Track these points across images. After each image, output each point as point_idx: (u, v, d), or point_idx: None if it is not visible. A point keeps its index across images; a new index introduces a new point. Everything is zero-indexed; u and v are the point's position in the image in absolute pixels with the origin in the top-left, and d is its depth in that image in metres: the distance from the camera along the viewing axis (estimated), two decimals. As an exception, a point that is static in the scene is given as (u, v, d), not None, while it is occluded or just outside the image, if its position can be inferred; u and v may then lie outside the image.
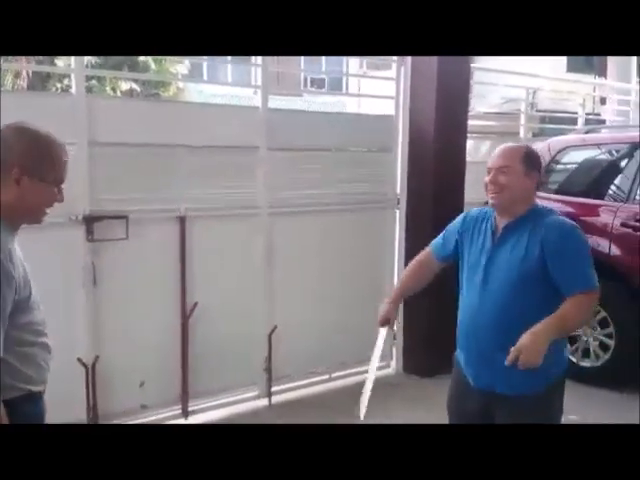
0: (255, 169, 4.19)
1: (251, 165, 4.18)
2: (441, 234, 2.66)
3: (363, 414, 2.65)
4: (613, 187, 5.03)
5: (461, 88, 4.95)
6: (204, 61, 12.06)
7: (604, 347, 4.77)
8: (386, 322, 2.64)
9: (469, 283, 2.44)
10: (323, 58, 15.47)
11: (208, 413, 4.11)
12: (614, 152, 5.29)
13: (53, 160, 1.84)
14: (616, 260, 4.69)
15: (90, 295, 3.63)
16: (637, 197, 4.76)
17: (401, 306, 3.00)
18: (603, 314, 4.76)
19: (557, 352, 2.35)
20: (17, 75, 14.06)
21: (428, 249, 2.68)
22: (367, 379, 2.71)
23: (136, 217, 3.71)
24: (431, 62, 4.67)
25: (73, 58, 3.68)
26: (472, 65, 5.39)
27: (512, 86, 7.12)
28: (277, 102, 4.86)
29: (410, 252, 4.80)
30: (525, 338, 2.11)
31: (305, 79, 17.71)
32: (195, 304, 3.96)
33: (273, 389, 4.37)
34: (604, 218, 4.84)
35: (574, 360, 4.89)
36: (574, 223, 2.37)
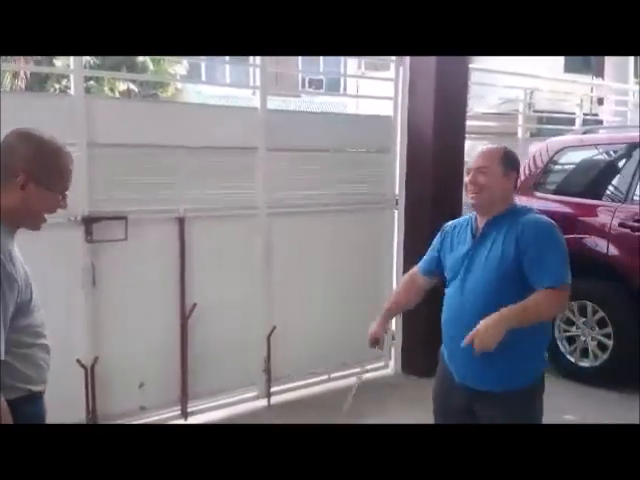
0: (254, 170, 4.19)
1: (250, 166, 4.18)
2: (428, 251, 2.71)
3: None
4: (611, 187, 5.04)
5: (459, 89, 4.95)
6: (202, 62, 12.07)
7: (602, 347, 4.77)
8: (375, 342, 2.69)
9: (452, 282, 2.50)
10: (321, 59, 15.50)
11: (207, 414, 4.11)
12: (612, 152, 5.31)
13: (60, 169, 1.85)
14: (614, 260, 4.70)
15: (89, 296, 3.63)
16: (635, 197, 4.77)
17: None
18: (601, 314, 4.77)
19: (537, 350, 2.43)
20: (15, 76, 14.06)
21: (415, 267, 2.74)
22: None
23: (135, 218, 3.72)
24: (429, 63, 4.68)
25: (72, 59, 3.68)
26: (470, 66, 5.40)
27: (510, 87, 7.14)
28: (275, 103, 4.87)
29: (409, 252, 4.82)
30: (482, 323, 2.19)
31: (303, 80, 17.72)
32: (194, 305, 3.96)
33: (272, 390, 4.37)
34: (602, 218, 4.85)
35: (572, 360, 4.92)
36: (551, 221, 2.40)
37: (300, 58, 15.63)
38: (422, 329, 4.83)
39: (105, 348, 3.70)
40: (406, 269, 4.87)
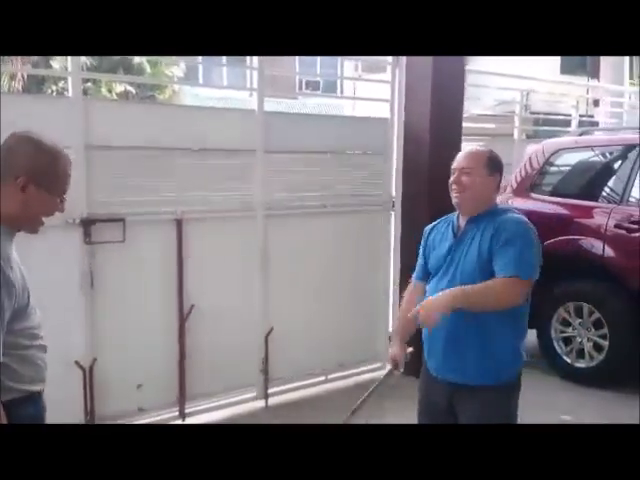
0: (251, 172, 4.21)
1: (247, 168, 4.19)
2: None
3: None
4: (607, 189, 5.06)
5: (456, 90, 4.97)
6: (199, 64, 12.08)
7: (598, 348, 4.80)
8: (396, 364, 2.68)
9: (433, 278, 2.55)
10: (318, 61, 15.51)
11: (205, 415, 4.12)
12: (608, 154, 5.33)
13: (60, 172, 1.86)
14: (610, 261, 4.72)
15: (87, 297, 3.64)
16: (631, 199, 4.79)
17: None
18: (597, 315, 4.79)
19: (513, 346, 2.47)
20: (13, 77, 14.05)
21: (411, 279, 2.76)
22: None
23: (133, 220, 3.73)
24: (426, 65, 4.70)
25: (70, 61, 3.70)
26: (466, 68, 5.42)
27: (506, 88, 7.16)
28: (272, 105, 4.88)
29: (405, 254, 4.83)
30: (427, 300, 2.31)
31: (300, 82, 17.73)
32: (192, 306, 3.97)
33: (270, 391, 4.39)
34: (598, 220, 4.87)
35: (569, 361, 4.95)
36: (527, 221, 2.44)
37: (297, 60, 15.67)
38: (419, 330, 4.85)
39: (103, 350, 3.71)
40: (403, 270, 4.91)
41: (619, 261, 4.68)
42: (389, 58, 4.95)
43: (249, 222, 4.24)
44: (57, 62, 12.14)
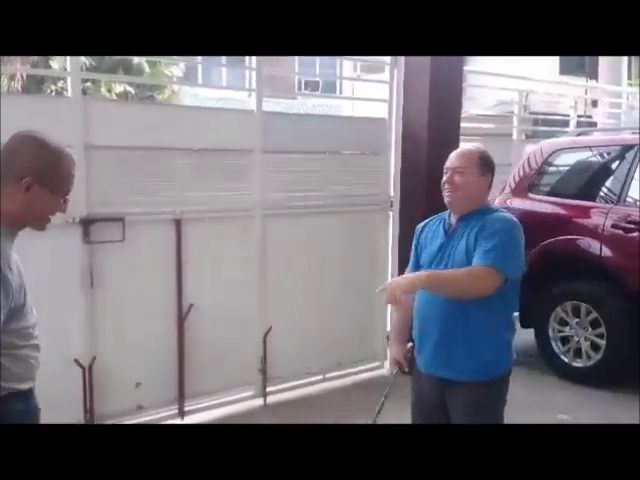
0: (250, 172, 4.23)
1: (246, 168, 4.21)
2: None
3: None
4: (604, 189, 5.08)
5: (454, 90, 5.00)
6: (199, 64, 12.09)
7: (595, 347, 4.81)
8: (398, 364, 2.71)
9: None
10: (317, 61, 15.52)
11: (204, 413, 4.14)
12: (605, 154, 5.35)
13: (64, 172, 1.87)
14: (607, 261, 4.74)
15: (87, 296, 3.66)
16: (628, 199, 4.81)
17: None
18: (595, 315, 4.81)
19: (501, 344, 2.49)
20: (12, 78, 14.05)
21: None
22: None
23: (132, 219, 3.74)
24: (424, 65, 4.72)
25: (69, 61, 3.72)
26: (465, 68, 5.44)
27: (504, 89, 7.18)
28: (272, 105, 4.90)
29: (403, 254, 4.84)
30: (395, 278, 2.36)
31: (299, 82, 17.75)
32: (191, 305, 3.99)
33: (268, 389, 4.40)
34: (595, 220, 4.88)
35: (566, 360, 4.96)
36: (515, 219, 2.47)
37: (297, 61, 15.68)
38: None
39: (103, 348, 3.72)
40: (401, 270, 4.91)
41: (616, 261, 4.70)
42: (387, 58, 4.97)
43: (248, 222, 4.26)
44: (56, 62, 12.14)
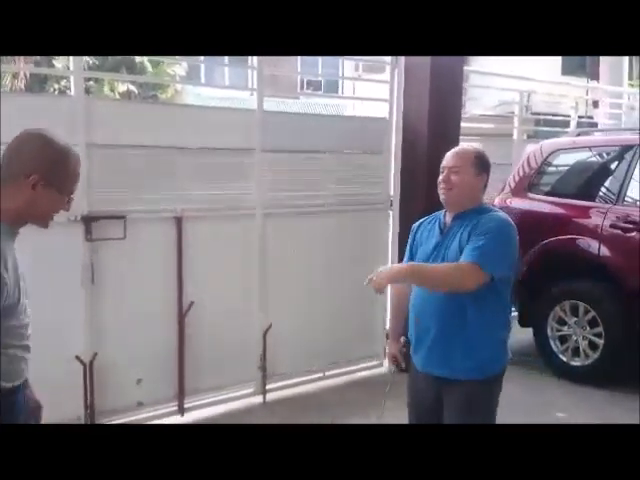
0: (250, 171, 4.26)
1: (246, 166, 4.24)
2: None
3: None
4: (603, 189, 5.10)
5: (454, 90, 5.02)
6: (201, 63, 12.12)
7: (593, 346, 4.84)
8: (395, 360, 2.79)
9: None
10: (320, 61, 15.55)
11: (204, 410, 4.18)
12: (605, 154, 5.37)
13: (70, 171, 1.88)
14: (605, 261, 4.76)
15: (89, 293, 3.69)
16: (627, 199, 4.83)
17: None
18: (593, 314, 4.84)
19: (497, 345, 2.51)
20: (15, 76, 14.10)
21: None
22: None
23: (134, 217, 3.78)
24: (424, 64, 4.74)
25: (72, 60, 3.75)
26: (467, 68, 5.46)
27: (506, 89, 7.20)
28: (274, 105, 4.92)
29: (403, 252, 4.86)
30: (380, 268, 2.42)
31: (302, 81, 17.79)
32: (191, 303, 4.02)
33: (268, 387, 4.43)
34: (594, 219, 4.90)
35: (564, 359, 4.99)
36: (509, 220, 2.48)
37: (299, 60, 15.70)
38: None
39: (104, 345, 3.76)
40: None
41: (614, 260, 4.72)
42: (388, 58, 4.99)
43: (248, 220, 4.29)
44: (59, 61, 12.18)
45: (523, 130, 7.08)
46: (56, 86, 14.35)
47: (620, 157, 5.08)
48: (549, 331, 5.07)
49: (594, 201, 5.02)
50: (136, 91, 15.08)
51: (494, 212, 2.54)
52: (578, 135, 5.94)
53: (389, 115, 4.96)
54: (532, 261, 5.04)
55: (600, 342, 4.78)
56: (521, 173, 5.57)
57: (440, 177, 2.53)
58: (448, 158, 2.54)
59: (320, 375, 4.73)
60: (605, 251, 4.76)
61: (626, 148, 5.01)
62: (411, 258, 2.67)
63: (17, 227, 1.87)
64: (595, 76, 12.08)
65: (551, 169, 5.57)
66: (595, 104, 9.89)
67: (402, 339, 2.76)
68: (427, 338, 2.51)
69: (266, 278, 4.39)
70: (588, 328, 4.88)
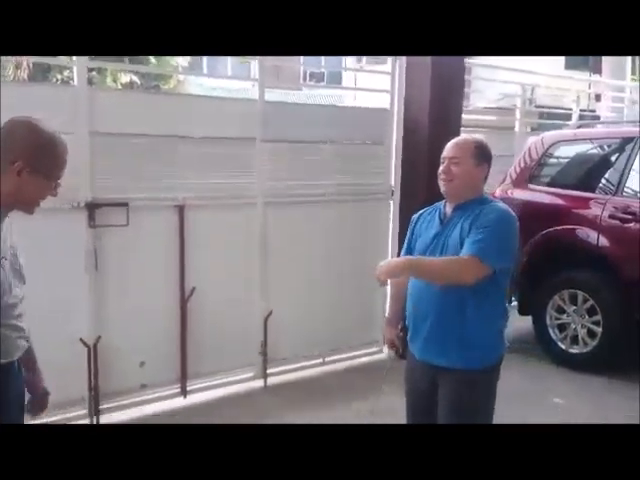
0: (252, 160, 4.29)
1: (248, 156, 4.28)
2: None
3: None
4: (603, 180, 5.13)
5: (456, 81, 5.04)
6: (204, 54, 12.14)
7: (592, 334, 4.89)
8: (393, 346, 2.81)
9: None
10: (322, 53, 15.50)
11: (206, 393, 4.24)
12: (605, 146, 5.40)
13: (56, 157, 1.91)
14: (604, 251, 4.80)
15: (92, 278, 3.74)
16: (626, 190, 4.87)
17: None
18: (591, 302, 4.89)
19: (495, 335, 2.51)
20: (18, 66, 14.12)
21: None
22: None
23: (136, 205, 3.82)
24: (426, 57, 4.76)
25: (75, 50, 3.78)
26: (470, 61, 5.46)
27: (509, 82, 7.22)
28: (278, 96, 4.94)
29: (403, 242, 4.90)
30: (381, 262, 2.43)
31: (305, 73, 17.79)
32: (193, 289, 4.07)
33: (268, 371, 4.50)
34: (593, 210, 4.94)
35: (563, 347, 5.04)
36: (511, 212, 2.47)
37: (302, 52, 15.64)
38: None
39: (108, 328, 3.81)
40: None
41: (613, 250, 4.76)
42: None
43: (249, 209, 4.33)
44: (63, 51, 12.17)
45: (526, 123, 7.10)
46: (59, 76, 14.37)
47: (620, 149, 5.12)
48: (548, 319, 5.12)
49: (594, 192, 5.06)
50: (138, 82, 15.09)
51: (495, 203, 2.51)
52: (579, 127, 5.97)
53: (390, 106, 4.99)
54: (532, 251, 5.08)
55: (598, 330, 4.83)
56: (522, 164, 5.61)
57: (440, 168, 2.51)
58: (448, 149, 2.52)
59: (320, 361, 4.78)
60: (604, 241, 4.81)
61: (626, 140, 5.04)
62: (409, 249, 2.67)
63: (4, 212, 1.89)
64: (598, 70, 12.06)
65: (552, 161, 5.61)
66: (597, 97, 9.90)
67: (399, 325, 2.80)
68: (424, 327, 2.51)
69: (267, 266, 4.44)
70: (587, 316, 4.92)
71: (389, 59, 5.06)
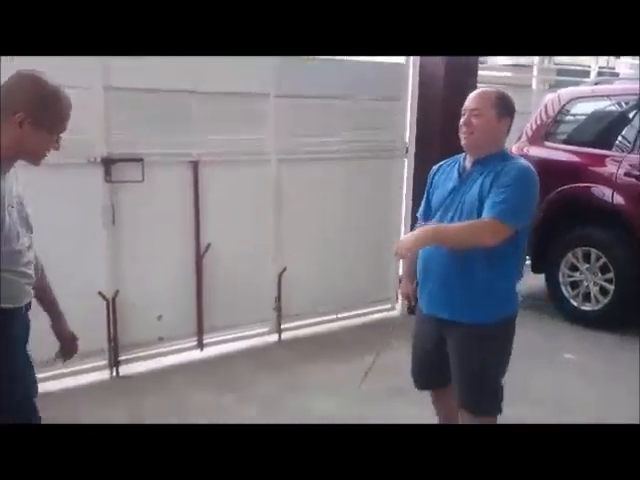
0: (265, 116, 4.29)
1: (261, 112, 4.27)
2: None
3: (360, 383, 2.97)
4: (619, 137, 5.07)
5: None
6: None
7: (604, 292, 4.90)
8: (407, 298, 2.84)
9: (434, 217, 2.56)
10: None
11: (222, 346, 4.34)
12: (623, 103, 5.32)
13: (58, 111, 1.91)
14: (619, 208, 4.79)
15: (109, 233, 3.81)
16: (642, 147, 4.82)
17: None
18: (604, 260, 4.89)
19: (505, 290, 2.49)
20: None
21: (418, 219, 2.78)
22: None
23: (152, 161, 3.85)
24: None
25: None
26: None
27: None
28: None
29: (417, 199, 4.90)
30: (402, 237, 2.39)
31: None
32: (208, 245, 4.13)
33: (283, 326, 4.57)
34: (609, 168, 4.91)
35: (575, 304, 5.06)
36: (532, 169, 2.41)
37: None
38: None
39: (125, 283, 3.89)
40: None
41: (628, 208, 4.74)
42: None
43: (264, 166, 4.34)
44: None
45: (543, 80, 7.01)
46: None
47: (638, 106, 5.04)
48: (561, 277, 5.14)
49: (610, 150, 5.01)
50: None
51: (516, 160, 2.46)
52: (596, 84, 5.88)
53: (406, 61, 4.93)
54: (547, 209, 5.07)
55: (611, 288, 4.85)
56: (538, 121, 5.56)
57: (461, 120, 2.46)
58: (469, 100, 2.46)
59: (333, 317, 4.84)
60: (619, 199, 4.78)
61: (643, 97, 4.96)
62: (428, 201, 2.66)
63: (8, 163, 1.90)
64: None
65: (568, 118, 5.55)
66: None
67: (416, 280, 2.82)
68: (431, 281, 2.51)
69: (281, 223, 4.47)
70: (599, 274, 4.93)
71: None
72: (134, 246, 3.91)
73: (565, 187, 5.06)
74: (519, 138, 5.53)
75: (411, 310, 2.87)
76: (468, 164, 2.51)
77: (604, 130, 5.25)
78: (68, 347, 2.24)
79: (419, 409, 2.99)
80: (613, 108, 5.36)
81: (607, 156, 4.97)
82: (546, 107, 5.56)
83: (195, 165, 4.05)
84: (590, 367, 4.21)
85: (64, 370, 3.63)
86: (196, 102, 4.00)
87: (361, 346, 4.32)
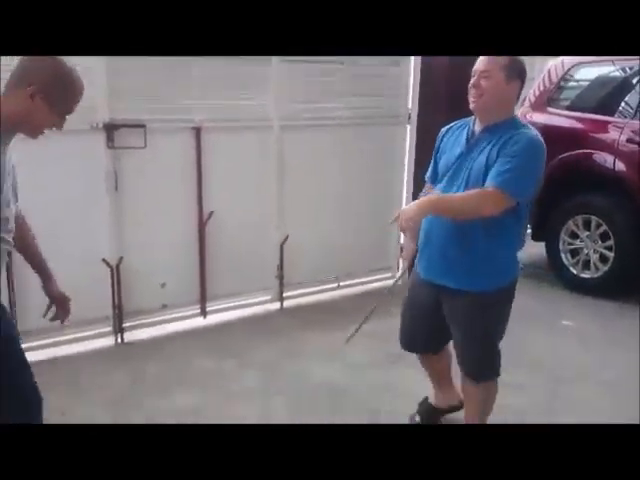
0: (268, 81, 4.24)
1: (264, 77, 4.22)
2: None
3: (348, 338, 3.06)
4: (622, 104, 5.03)
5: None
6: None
7: (604, 259, 4.93)
8: (411, 260, 2.81)
9: (440, 182, 2.57)
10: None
11: (224, 314, 4.37)
12: (627, 69, 5.27)
13: (71, 93, 1.92)
14: (621, 175, 4.78)
15: (112, 199, 3.79)
16: (644, 114, 4.79)
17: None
18: (604, 228, 4.90)
19: (506, 259, 2.50)
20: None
21: (426, 183, 2.77)
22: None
23: (154, 127, 3.82)
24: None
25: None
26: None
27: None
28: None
29: (420, 167, 4.89)
30: (404, 208, 2.40)
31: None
32: (211, 213, 4.12)
33: (285, 294, 4.60)
34: (611, 134, 4.88)
35: (575, 272, 5.09)
36: (540, 141, 2.38)
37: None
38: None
39: (129, 250, 3.89)
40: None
41: (629, 175, 4.73)
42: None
43: (266, 132, 4.31)
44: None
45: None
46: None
47: (640, 72, 5.00)
48: (561, 245, 5.16)
49: (612, 116, 4.98)
50: None
51: (525, 130, 2.41)
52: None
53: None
54: (548, 175, 5.03)
55: (610, 255, 4.87)
56: (541, 87, 5.51)
57: (471, 82, 2.42)
58: (479, 62, 2.42)
59: (335, 285, 4.87)
60: (621, 165, 4.77)
61: (648, 63, 4.91)
62: (435, 165, 2.65)
63: (9, 134, 1.91)
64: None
65: (571, 83, 5.50)
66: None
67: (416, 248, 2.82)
68: (430, 248, 2.53)
69: (283, 190, 4.46)
70: (599, 242, 4.95)
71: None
72: (137, 213, 3.90)
73: (567, 154, 5.04)
74: (522, 104, 5.48)
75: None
76: (477, 129, 2.47)
77: (607, 96, 5.20)
78: (60, 307, 2.25)
79: (419, 375, 3.04)
80: (617, 74, 5.31)
81: (609, 122, 4.95)
82: (549, 73, 5.51)
83: (197, 131, 4.02)
84: (589, 334, 4.25)
85: (69, 337, 3.65)
86: (197, 67, 3.94)
87: (362, 314, 4.35)
